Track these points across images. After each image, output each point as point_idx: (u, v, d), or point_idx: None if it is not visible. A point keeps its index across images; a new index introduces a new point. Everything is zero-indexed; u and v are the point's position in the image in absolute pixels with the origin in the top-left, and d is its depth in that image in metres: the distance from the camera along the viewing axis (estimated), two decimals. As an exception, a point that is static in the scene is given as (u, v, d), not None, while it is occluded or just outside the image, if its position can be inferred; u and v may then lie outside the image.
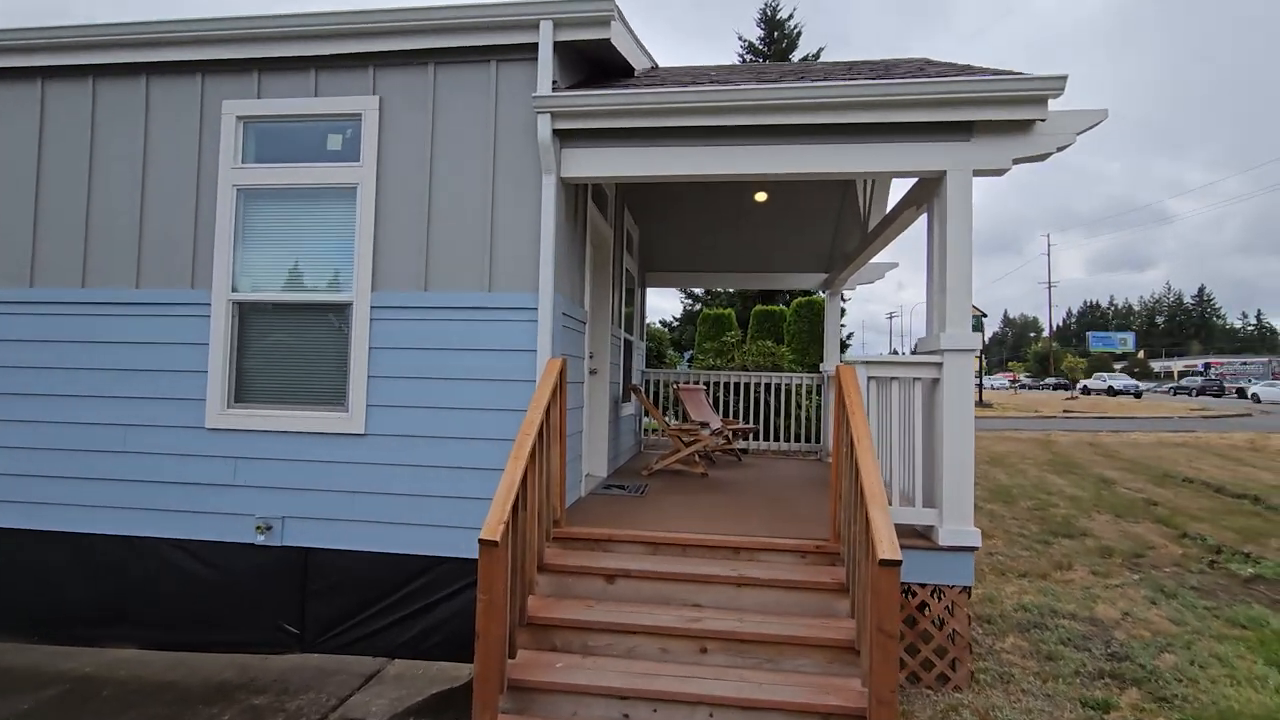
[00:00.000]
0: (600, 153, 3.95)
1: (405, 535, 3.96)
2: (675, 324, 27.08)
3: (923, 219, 4.25)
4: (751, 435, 7.92)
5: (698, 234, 7.97)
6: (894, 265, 7.84)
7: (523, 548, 3.04)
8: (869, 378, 3.76)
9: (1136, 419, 25.27)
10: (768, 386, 8.35)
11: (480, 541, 2.63)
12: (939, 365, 3.68)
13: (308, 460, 4.07)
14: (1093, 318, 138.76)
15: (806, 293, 12.90)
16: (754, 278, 8.27)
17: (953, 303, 3.66)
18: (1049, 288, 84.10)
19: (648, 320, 20.98)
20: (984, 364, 38.04)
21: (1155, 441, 16.04)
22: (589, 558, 3.58)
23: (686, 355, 17.75)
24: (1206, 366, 74.74)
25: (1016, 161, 3.67)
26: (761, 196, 7.22)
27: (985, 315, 42.99)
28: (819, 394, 8.20)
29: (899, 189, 5.33)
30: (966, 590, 3.62)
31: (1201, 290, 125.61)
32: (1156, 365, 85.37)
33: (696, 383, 8.24)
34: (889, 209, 5.41)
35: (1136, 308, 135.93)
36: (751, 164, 3.83)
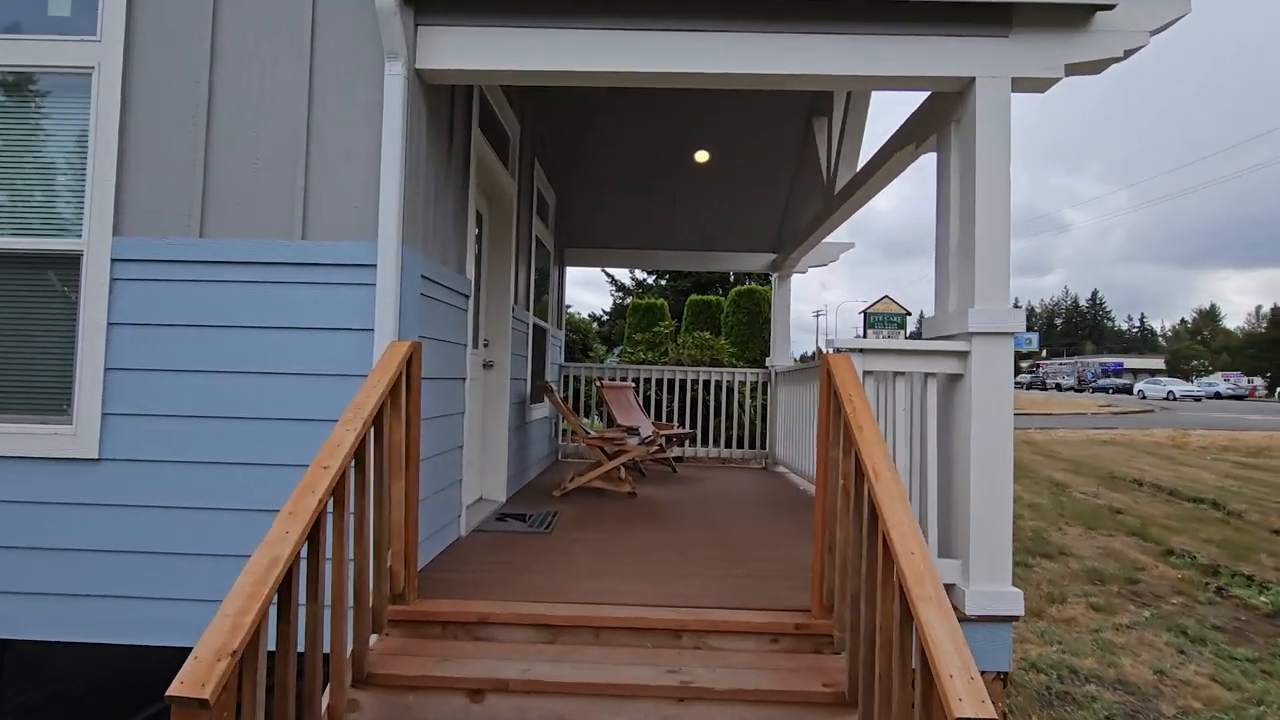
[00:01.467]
0: (478, 34, 2.63)
1: (159, 617, 2.53)
2: (605, 318, 25.82)
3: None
4: (688, 441, 6.76)
5: (628, 204, 6.74)
6: (849, 245, 6.85)
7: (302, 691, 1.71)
8: (864, 373, 2.63)
9: (1055, 415, 25.96)
10: (705, 384, 7.22)
11: (169, 700, 1.29)
12: (963, 355, 2.58)
13: (2, 501, 2.57)
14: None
15: (744, 281, 11.94)
16: (693, 258, 7.13)
17: (984, 267, 2.56)
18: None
19: (571, 309, 19.60)
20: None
21: (1085, 439, 16.06)
22: (448, 656, 2.27)
23: (616, 351, 16.55)
24: (1036, 366, 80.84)
25: (1071, 70, 2.61)
26: (703, 156, 6.05)
27: (909, 313, 44.17)
28: (764, 393, 7.14)
29: (873, 140, 4.28)
30: (1002, 678, 2.54)
31: (1094, 295, 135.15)
32: (1056, 364, 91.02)
33: (624, 379, 7.01)
34: (861, 165, 4.34)
35: (1039, 310, 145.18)
36: (702, 59, 2.61)
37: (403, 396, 2.35)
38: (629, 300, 14.53)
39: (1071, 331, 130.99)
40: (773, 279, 7.11)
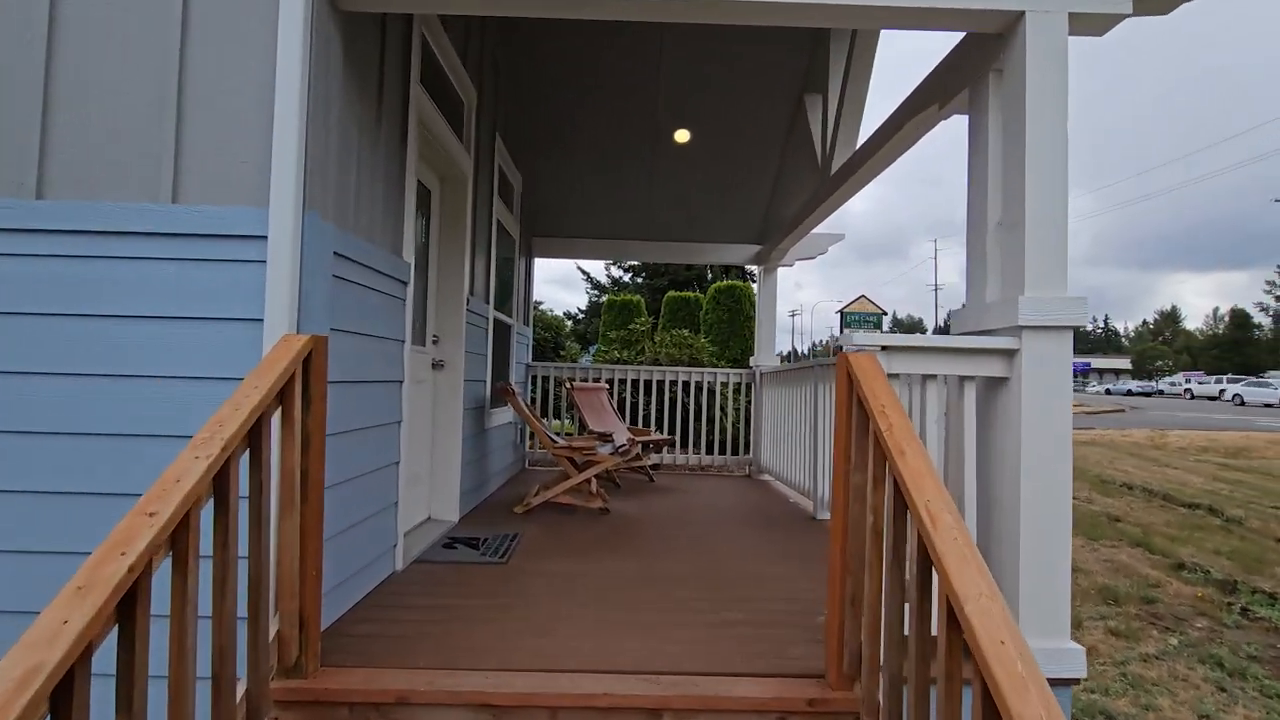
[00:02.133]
0: (404, -54, 2.07)
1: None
2: (580, 316, 25.22)
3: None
4: (667, 447, 6.24)
5: (601, 190, 6.19)
6: (839, 237, 6.39)
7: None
8: (887, 375, 2.12)
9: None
10: (685, 385, 6.70)
11: None
12: (1009, 355, 2.10)
13: None
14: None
15: (726, 274, 11.47)
16: (672, 249, 6.62)
17: (1036, 246, 2.08)
18: (935, 290, 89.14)
19: (544, 306, 18.94)
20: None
21: (1063, 440, 15.87)
22: (353, 752, 1.71)
23: (591, 350, 15.97)
24: None
25: (1140, 8, 2.14)
26: (683, 137, 5.53)
27: (885, 313, 44.23)
28: (748, 394, 6.65)
29: (874, 115, 3.79)
30: (1060, 755, 2.05)
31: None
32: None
33: (598, 380, 6.46)
34: (861, 141, 3.86)
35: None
36: (688, -19, 2.09)
37: (297, 407, 1.78)
38: (604, 298, 13.98)
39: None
40: (757, 273, 6.62)
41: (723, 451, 6.89)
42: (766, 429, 6.06)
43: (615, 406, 6.19)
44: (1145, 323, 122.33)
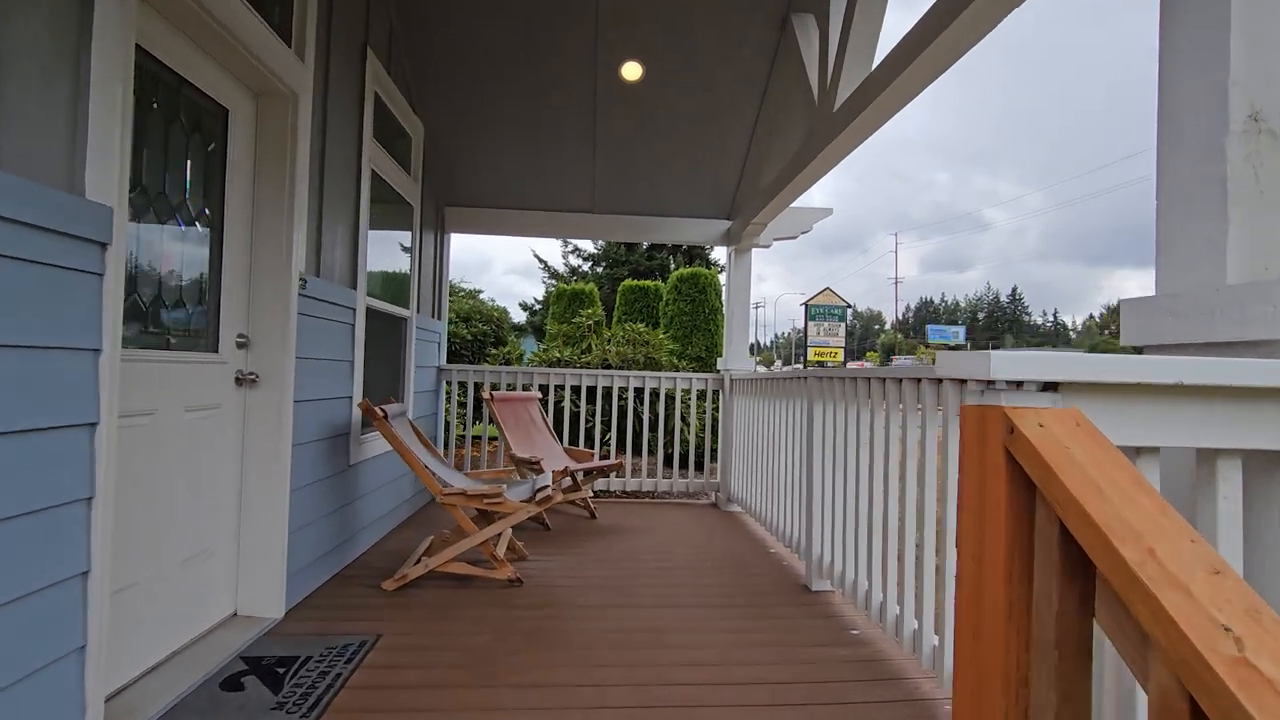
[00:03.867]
0: None
1: None
2: (537, 308, 23.74)
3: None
4: (615, 472, 4.98)
5: (533, 150, 4.86)
6: (826, 212, 5.23)
7: None
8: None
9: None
10: (639, 391, 5.45)
11: None
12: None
13: None
14: (927, 312, 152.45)
15: (690, 263, 10.26)
16: (621, 224, 5.35)
17: None
18: (895, 284, 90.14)
19: (485, 296, 17.37)
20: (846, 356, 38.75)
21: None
22: None
23: (534, 346, 14.64)
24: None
25: None
26: (633, 72, 4.26)
27: (850, 305, 43.67)
28: (715, 403, 5.46)
29: (889, 38, 2.58)
30: None
31: (1014, 291, 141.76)
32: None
33: (528, 389, 5.17)
34: (879, 63, 2.65)
35: (963, 304, 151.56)
36: None
37: None
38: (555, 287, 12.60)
39: (993, 325, 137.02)
40: (726, 257, 5.40)
41: (684, 470, 5.68)
42: (738, 448, 4.87)
43: (549, 421, 4.91)
44: (1092, 316, 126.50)
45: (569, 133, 4.65)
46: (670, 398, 5.67)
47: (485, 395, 4.61)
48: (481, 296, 14.59)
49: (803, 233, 5.31)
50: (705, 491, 5.39)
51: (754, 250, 5.17)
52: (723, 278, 10.40)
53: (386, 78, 3.68)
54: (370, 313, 3.59)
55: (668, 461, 5.97)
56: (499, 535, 3.29)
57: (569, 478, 4.46)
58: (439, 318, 5.11)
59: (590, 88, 4.31)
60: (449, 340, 9.88)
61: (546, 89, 4.37)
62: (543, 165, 4.95)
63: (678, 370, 6.23)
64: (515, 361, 11.02)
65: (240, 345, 2.50)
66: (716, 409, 5.50)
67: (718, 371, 5.33)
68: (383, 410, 3.09)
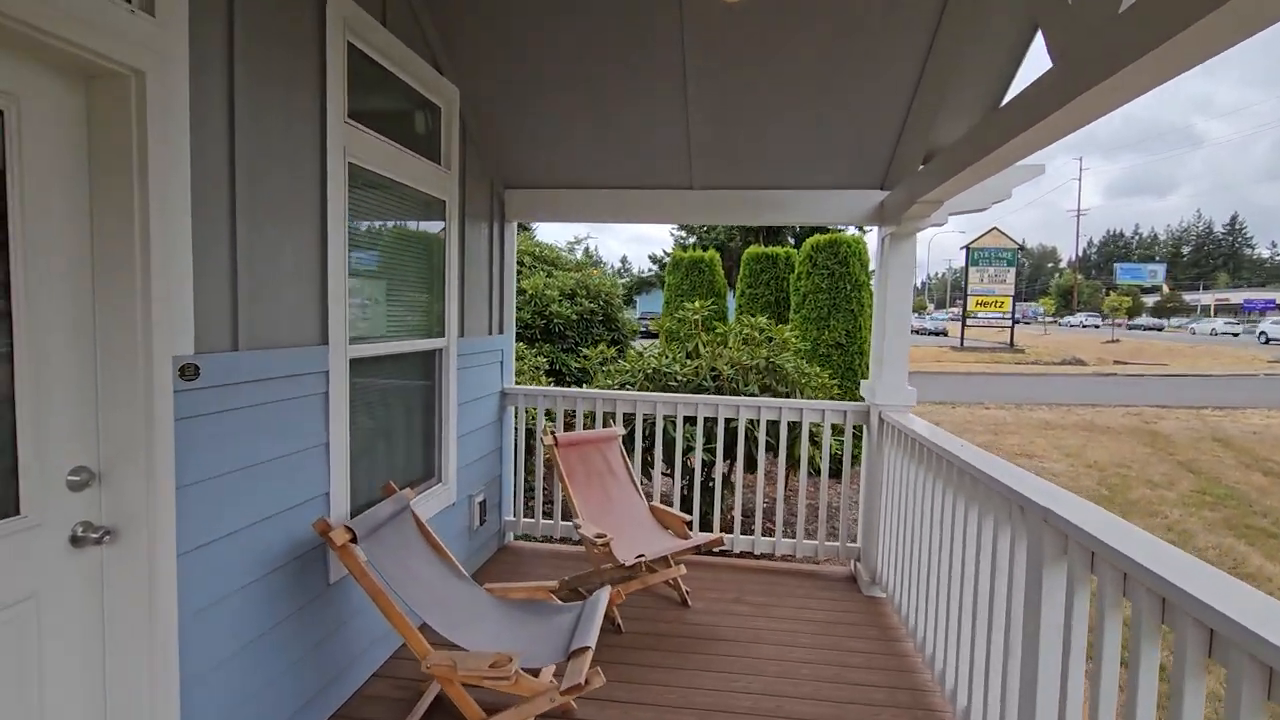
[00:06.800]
0: None
1: None
2: (666, 259, 22.55)
3: None
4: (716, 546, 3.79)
5: (609, 107, 3.58)
6: (1038, 170, 3.53)
7: None
8: None
9: (1212, 377, 21.07)
10: (753, 424, 4.14)
11: None
12: None
13: None
14: (1115, 248, 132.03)
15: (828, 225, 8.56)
16: (727, 201, 3.98)
17: None
18: (1078, 216, 78.48)
19: (603, 264, 16.15)
20: (1015, 302, 34.14)
21: (1293, 429, 11.92)
22: None
23: (645, 319, 13.45)
24: (1247, 302, 70.07)
25: None
26: (735, -18, 2.84)
27: (1021, 244, 37.93)
28: (857, 442, 4.07)
29: None
30: None
31: (1234, 219, 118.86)
32: (1189, 298, 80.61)
33: (609, 421, 4.08)
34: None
35: (1162, 237, 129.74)
36: None
37: None
38: (669, 256, 11.32)
39: (1202, 261, 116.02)
40: (879, 241, 3.87)
41: (809, 530, 4.38)
42: (889, 511, 3.50)
43: (631, 469, 3.81)
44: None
45: (654, 83, 3.33)
46: (792, 430, 4.34)
47: (545, 438, 3.58)
48: (601, 253, 13.64)
49: (996, 202, 3.67)
50: (836, 558, 4.06)
51: (935, 222, 3.58)
52: (870, 241, 8.58)
53: (376, 25, 2.58)
54: (365, 362, 2.63)
55: (789, 521, 4.69)
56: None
57: (636, 567, 3.35)
58: (501, 331, 4.12)
59: (675, 17, 2.95)
60: (549, 320, 9.05)
61: (618, 23, 3.06)
62: (621, 130, 3.68)
63: (805, 377, 4.84)
64: (629, 337, 10.02)
65: (78, 486, 1.59)
66: (858, 447, 4.12)
67: (861, 400, 3.91)
68: (350, 531, 2.12)
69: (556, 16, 3.02)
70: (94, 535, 1.60)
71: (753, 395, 4.55)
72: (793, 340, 5.35)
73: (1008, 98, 2.61)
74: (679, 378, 4.76)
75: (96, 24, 1.47)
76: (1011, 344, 32.97)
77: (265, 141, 2.03)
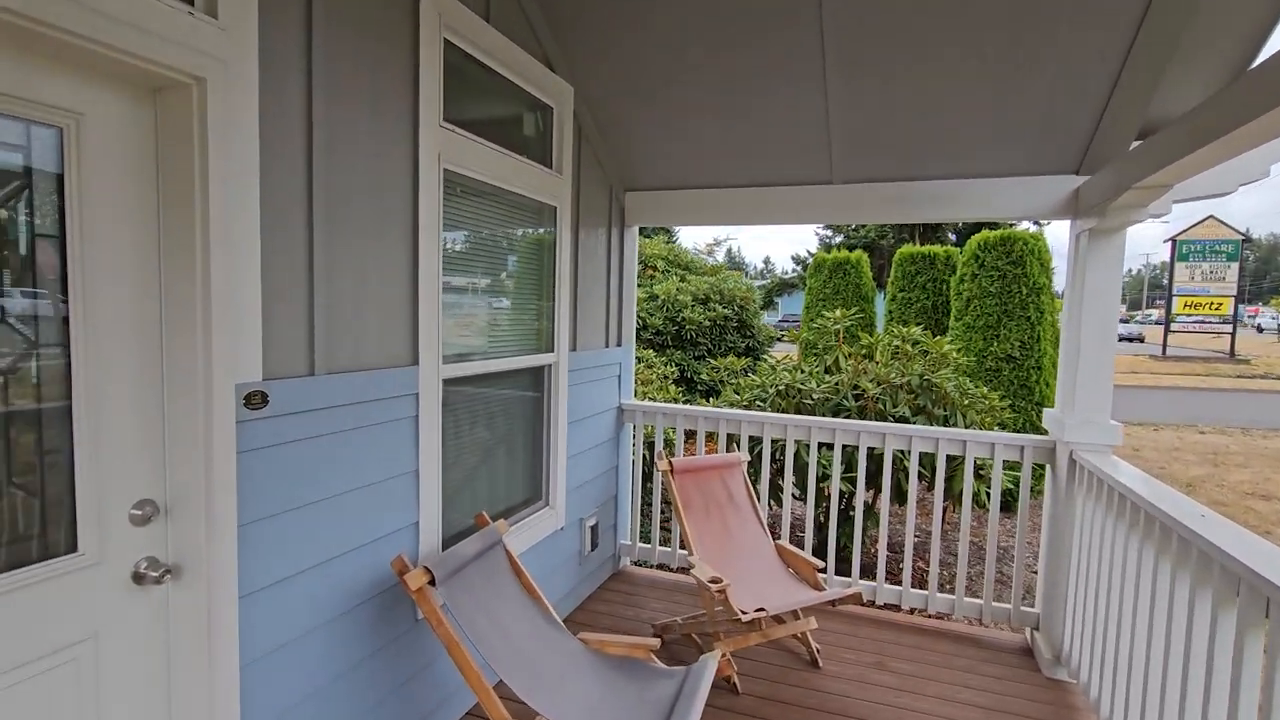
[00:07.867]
0: None
1: None
2: (794, 277, 21.59)
3: None
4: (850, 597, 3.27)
5: (740, 94, 3.19)
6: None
7: None
8: None
9: None
10: (902, 455, 3.54)
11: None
12: None
13: None
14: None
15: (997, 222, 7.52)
16: (877, 196, 3.41)
17: None
18: (1326, 199, 65.02)
19: (744, 263, 15.43)
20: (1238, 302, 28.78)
21: None
22: None
23: (787, 323, 12.76)
24: None
25: None
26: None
27: (1247, 236, 31.75)
28: (1036, 479, 3.34)
29: None
30: None
31: None
32: None
33: (733, 441, 3.69)
34: None
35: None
36: None
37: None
38: (812, 257, 10.56)
39: None
40: (1073, 239, 3.12)
41: (974, 566, 3.69)
42: (1082, 575, 2.79)
43: (755, 500, 3.39)
44: None
45: (789, 64, 2.90)
46: (952, 466, 3.68)
47: (660, 464, 3.27)
48: (743, 254, 13.20)
49: (1243, 184, 2.82)
50: (1004, 622, 3.36)
51: (1157, 213, 2.81)
52: (1053, 238, 7.37)
53: (478, 21, 2.41)
54: (463, 381, 2.47)
55: (945, 574, 4.00)
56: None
57: (791, 615, 2.91)
58: (620, 343, 3.88)
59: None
60: (680, 326, 8.75)
61: (746, 3, 2.67)
62: (750, 122, 3.27)
63: (969, 398, 4.12)
64: (765, 344, 9.49)
65: (141, 520, 1.51)
66: (1038, 487, 3.37)
67: (1043, 432, 3.20)
68: (428, 573, 1.93)
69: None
70: (154, 574, 1.51)
71: (903, 418, 3.93)
72: (953, 354, 4.61)
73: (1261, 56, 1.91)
74: (815, 395, 4.24)
75: (151, 30, 1.36)
76: (1232, 353, 27.80)
77: (348, 149, 1.89)
